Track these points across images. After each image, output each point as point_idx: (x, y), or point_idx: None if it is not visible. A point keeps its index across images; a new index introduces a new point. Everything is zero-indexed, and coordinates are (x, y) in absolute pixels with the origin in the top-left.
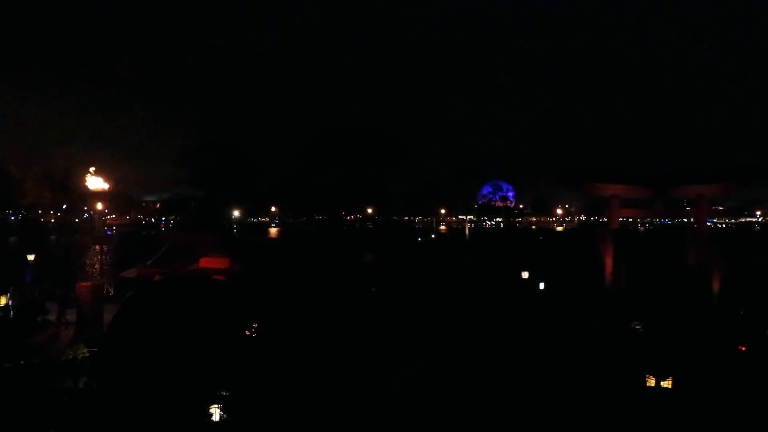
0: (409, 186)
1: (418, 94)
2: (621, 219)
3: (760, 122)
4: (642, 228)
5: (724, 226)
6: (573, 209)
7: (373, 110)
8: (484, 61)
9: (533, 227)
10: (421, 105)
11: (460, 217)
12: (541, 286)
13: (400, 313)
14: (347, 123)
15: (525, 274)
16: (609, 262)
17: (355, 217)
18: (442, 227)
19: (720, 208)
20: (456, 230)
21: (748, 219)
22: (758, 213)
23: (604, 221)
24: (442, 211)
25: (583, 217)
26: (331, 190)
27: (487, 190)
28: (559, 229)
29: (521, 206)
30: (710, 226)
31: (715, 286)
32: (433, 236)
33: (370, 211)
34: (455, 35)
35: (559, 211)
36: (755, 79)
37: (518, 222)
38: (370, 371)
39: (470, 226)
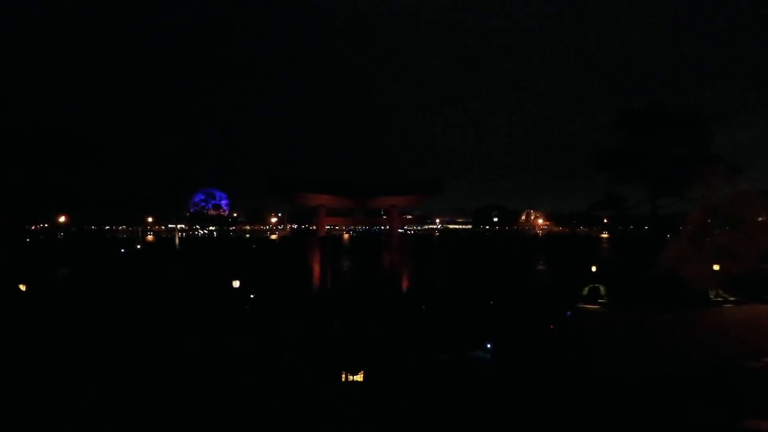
0: (110, 192)
1: (120, 94)
2: (328, 227)
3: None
4: (347, 235)
5: (412, 232)
6: (286, 218)
7: (60, 106)
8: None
9: (247, 236)
10: (120, 107)
11: (170, 225)
12: (252, 295)
13: (101, 328)
14: (29, 117)
15: (236, 283)
16: (316, 268)
17: (42, 226)
18: (150, 237)
19: (409, 216)
20: (166, 240)
21: (431, 226)
22: (437, 220)
23: (314, 229)
24: (150, 220)
25: (295, 226)
26: (7, 194)
27: (199, 197)
28: (273, 237)
29: (235, 215)
30: (402, 232)
31: (405, 285)
32: (138, 246)
33: (62, 219)
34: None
35: (273, 220)
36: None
37: (233, 230)
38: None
39: (181, 235)
